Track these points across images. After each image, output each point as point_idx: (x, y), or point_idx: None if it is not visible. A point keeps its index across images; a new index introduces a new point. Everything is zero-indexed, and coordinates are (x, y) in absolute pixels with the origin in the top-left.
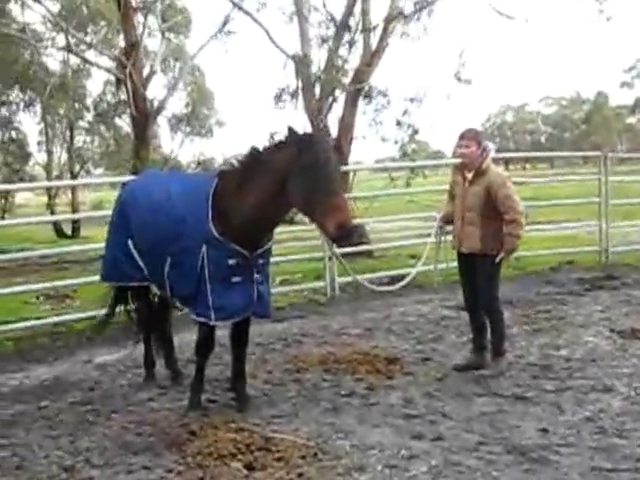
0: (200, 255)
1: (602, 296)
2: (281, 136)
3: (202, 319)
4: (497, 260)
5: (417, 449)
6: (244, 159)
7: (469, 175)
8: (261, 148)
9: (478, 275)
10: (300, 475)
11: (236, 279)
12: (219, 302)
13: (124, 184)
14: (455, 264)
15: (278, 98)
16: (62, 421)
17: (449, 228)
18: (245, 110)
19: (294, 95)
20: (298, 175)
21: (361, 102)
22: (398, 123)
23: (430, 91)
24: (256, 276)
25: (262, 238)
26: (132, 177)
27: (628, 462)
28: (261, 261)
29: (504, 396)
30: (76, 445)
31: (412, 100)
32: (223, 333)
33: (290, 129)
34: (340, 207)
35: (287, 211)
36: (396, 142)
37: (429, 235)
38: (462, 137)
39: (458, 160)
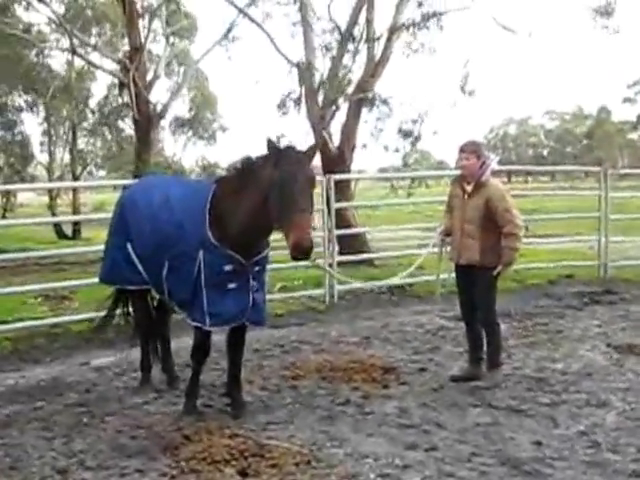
0: (197, 260)
1: (600, 310)
2: (285, 141)
3: (197, 324)
4: (495, 273)
5: (411, 459)
6: (238, 167)
7: (468, 187)
8: (253, 157)
9: (476, 287)
10: None
11: (232, 285)
12: (214, 308)
13: (125, 187)
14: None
15: (282, 105)
16: (57, 422)
17: (448, 240)
18: (249, 116)
19: (297, 102)
20: (272, 190)
21: (364, 110)
22: (405, 135)
23: (434, 103)
24: (252, 283)
25: (257, 245)
26: (134, 180)
27: (620, 477)
28: (257, 268)
29: (499, 408)
30: (70, 447)
31: (414, 122)
32: (221, 338)
33: (269, 142)
34: (298, 225)
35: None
36: (397, 150)
37: (427, 245)
38: (462, 150)
39: (459, 170)
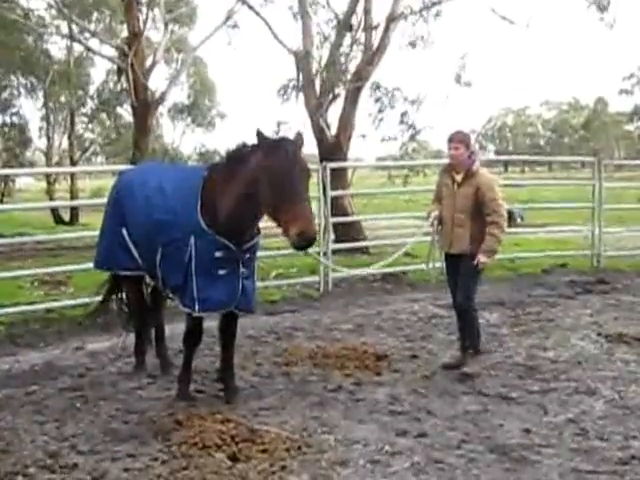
0: (188, 246)
1: (592, 300)
2: (287, 127)
3: (187, 309)
4: (475, 262)
5: (400, 445)
6: (231, 154)
7: (458, 177)
8: (245, 146)
9: (462, 275)
10: (283, 468)
11: (222, 272)
12: (204, 293)
13: (120, 173)
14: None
15: (284, 91)
16: (49, 407)
17: (439, 228)
18: (247, 103)
19: (295, 90)
20: (266, 181)
21: (367, 100)
22: (401, 122)
23: (432, 92)
24: (242, 270)
25: (247, 232)
26: (130, 166)
27: (607, 465)
28: (248, 255)
29: (489, 395)
30: (62, 431)
31: (413, 102)
32: (214, 324)
33: (259, 133)
34: (302, 216)
35: (263, 211)
36: (395, 138)
37: (418, 232)
38: (450, 139)
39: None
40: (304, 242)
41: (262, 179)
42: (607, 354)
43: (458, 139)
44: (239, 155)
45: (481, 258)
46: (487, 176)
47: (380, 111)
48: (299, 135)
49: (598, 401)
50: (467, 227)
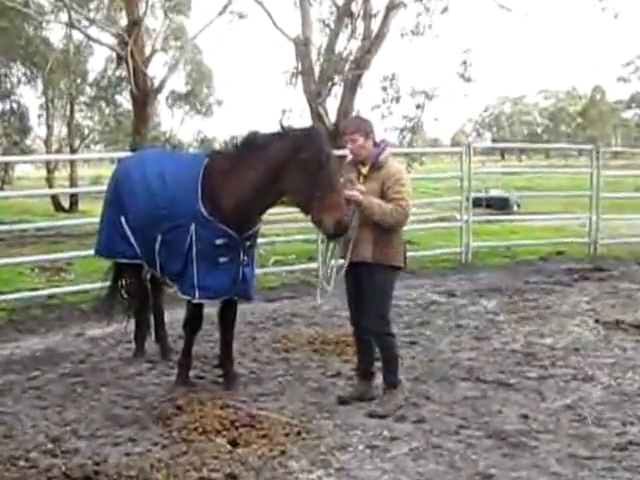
0: (189, 234)
1: (589, 287)
2: (291, 114)
3: (187, 297)
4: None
5: (399, 431)
6: (240, 142)
7: (364, 170)
8: (259, 134)
9: (366, 290)
10: (283, 453)
11: (223, 259)
12: (204, 281)
13: (119, 161)
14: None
15: (291, 77)
16: (51, 392)
17: None
18: (244, 90)
19: (295, 77)
20: (297, 169)
21: (371, 90)
22: (405, 117)
23: (429, 80)
24: (242, 257)
25: (251, 221)
26: (129, 153)
27: (604, 450)
28: (248, 243)
29: (487, 382)
30: (64, 416)
31: (418, 106)
32: (214, 311)
33: (282, 126)
34: (338, 204)
35: (277, 199)
36: (396, 129)
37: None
38: (344, 132)
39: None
40: (339, 231)
41: (293, 168)
42: (604, 341)
43: (353, 129)
44: (254, 143)
45: (359, 196)
46: (396, 167)
47: (388, 103)
48: (317, 126)
49: (595, 387)
50: (370, 228)
